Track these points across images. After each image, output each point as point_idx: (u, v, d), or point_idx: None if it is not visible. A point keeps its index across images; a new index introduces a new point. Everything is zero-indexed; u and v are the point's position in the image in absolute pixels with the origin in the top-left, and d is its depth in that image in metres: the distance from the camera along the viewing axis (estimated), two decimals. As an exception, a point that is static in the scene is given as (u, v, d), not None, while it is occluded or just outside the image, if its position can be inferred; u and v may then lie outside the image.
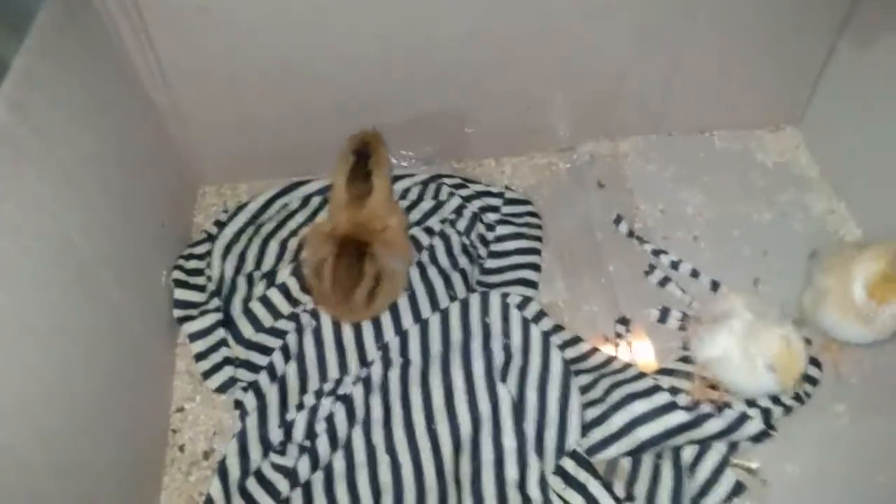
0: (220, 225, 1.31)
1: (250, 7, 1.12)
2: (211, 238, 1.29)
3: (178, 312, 1.19)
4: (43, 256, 0.83)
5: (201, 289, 1.23)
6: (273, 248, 1.27)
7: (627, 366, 1.13)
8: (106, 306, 0.98)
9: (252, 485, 1.03)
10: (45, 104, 0.87)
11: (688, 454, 1.05)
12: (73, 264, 0.90)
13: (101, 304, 0.97)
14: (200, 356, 1.16)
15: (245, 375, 1.14)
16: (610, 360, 1.15)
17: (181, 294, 1.20)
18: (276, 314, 1.19)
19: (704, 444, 1.05)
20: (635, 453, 1.04)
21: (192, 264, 1.25)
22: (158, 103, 1.22)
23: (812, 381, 1.11)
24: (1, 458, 0.72)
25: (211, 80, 1.22)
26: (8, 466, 0.73)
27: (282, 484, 1.03)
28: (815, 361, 1.13)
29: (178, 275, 1.21)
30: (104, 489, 0.93)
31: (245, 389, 1.12)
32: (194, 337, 1.17)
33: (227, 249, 1.27)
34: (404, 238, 1.19)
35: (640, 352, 1.18)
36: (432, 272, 1.21)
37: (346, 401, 1.08)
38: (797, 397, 1.09)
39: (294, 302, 1.20)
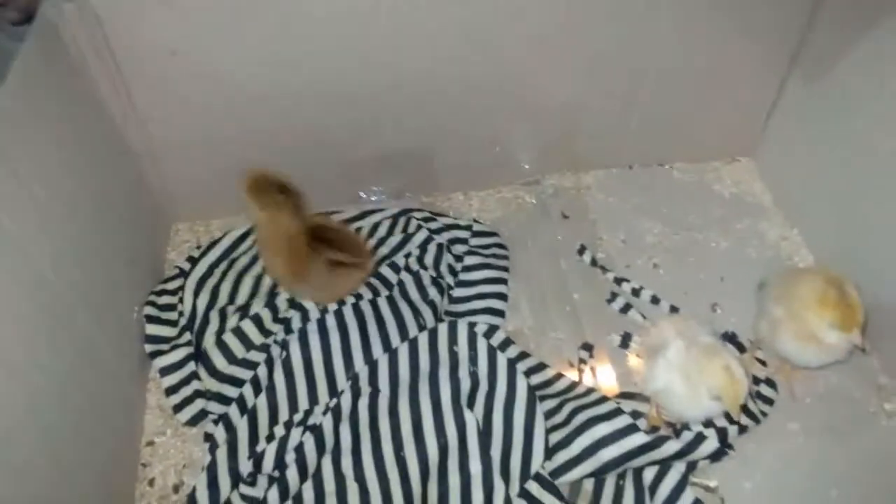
0: (193, 260, 1.33)
1: (219, 50, 1.16)
2: (183, 273, 1.31)
3: (149, 347, 1.20)
4: (15, 292, 0.85)
5: (173, 324, 1.25)
6: (247, 282, 1.30)
7: (590, 390, 1.16)
8: (79, 341, 1.00)
9: (222, 516, 1.04)
10: (22, 146, 0.90)
11: (649, 474, 1.08)
12: (47, 299, 0.92)
13: (74, 339, 0.98)
14: (171, 390, 1.18)
15: (216, 408, 1.16)
16: (573, 385, 1.18)
17: (152, 329, 1.22)
18: (249, 345, 1.21)
19: (664, 464, 1.08)
20: (598, 475, 1.07)
21: (164, 300, 1.27)
22: (132, 143, 1.26)
23: (768, 400, 1.16)
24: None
25: (183, 120, 1.25)
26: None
27: (251, 515, 1.04)
28: (770, 382, 1.17)
29: (149, 310, 1.23)
30: (74, 524, 0.93)
31: (216, 422, 1.14)
32: (165, 371, 1.19)
33: (201, 284, 1.29)
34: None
35: (602, 376, 1.21)
36: (402, 305, 1.24)
37: (316, 431, 1.10)
38: (752, 416, 1.12)
39: (266, 332, 1.22)
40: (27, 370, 0.86)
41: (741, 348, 1.22)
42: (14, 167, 0.87)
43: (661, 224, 1.43)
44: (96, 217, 1.09)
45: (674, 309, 1.29)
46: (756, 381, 1.17)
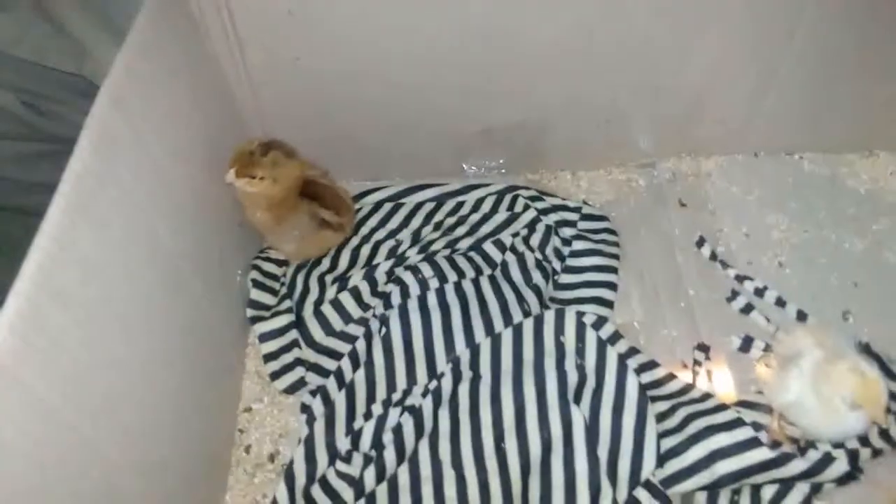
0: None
1: (334, 12, 1.11)
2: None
3: (251, 312, 1.19)
4: (132, 251, 0.84)
5: (274, 292, 1.24)
6: (345, 254, 1.27)
7: (707, 395, 1.08)
8: (189, 303, 0.99)
9: (317, 491, 1.02)
10: (141, 101, 0.88)
11: (768, 492, 1.01)
12: (161, 259, 0.91)
13: (184, 301, 0.98)
14: (270, 356, 1.16)
15: (314, 379, 1.14)
16: (687, 387, 1.10)
17: (256, 294, 1.21)
18: (347, 318, 1.19)
19: (786, 483, 1.00)
20: (712, 488, 1.00)
21: (269, 267, 1.25)
22: (243, 104, 1.23)
23: None
24: (84, 454, 0.73)
25: (294, 83, 1.22)
26: (91, 461, 0.74)
27: (346, 493, 1.02)
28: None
29: (255, 275, 1.22)
30: (176, 487, 0.93)
31: (313, 394, 1.12)
32: (265, 337, 1.18)
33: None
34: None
35: (719, 381, 1.13)
36: (505, 287, 1.19)
37: (414, 413, 1.07)
38: (887, 438, 1.03)
39: (364, 306, 1.20)
40: (142, 333, 0.85)
41: (879, 361, 1.11)
42: (133, 121, 0.85)
43: (788, 219, 1.32)
44: (207, 178, 1.07)
45: (801, 314, 1.18)
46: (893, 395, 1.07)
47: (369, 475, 1.02)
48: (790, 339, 1.06)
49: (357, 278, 1.21)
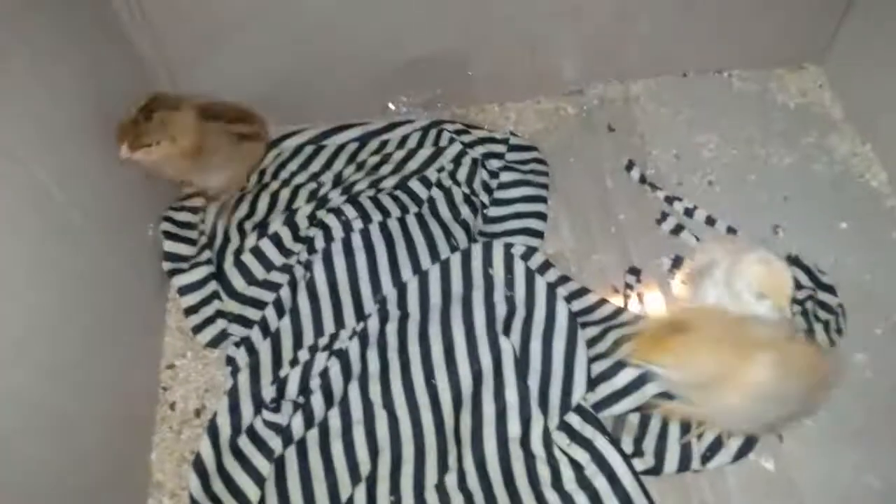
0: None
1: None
2: (202, 191, 1.24)
3: (167, 265, 1.14)
4: (14, 205, 0.78)
5: (191, 242, 1.18)
6: (264, 199, 1.22)
7: (637, 318, 1.07)
8: (88, 258, 0.94)
9: (244, 442, 0.99)
10: (18, 44, 0.81)
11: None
12: (50, 214, 0.85)
13: (83, 256, 0.92)
14: (191, 310, 1.12)
15: (238, 331, 1.10)
16: (619, 311, 1.09)
17: (170, 246, 1.15)
18: (269, 265, 1.14)
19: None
20: (643, 409, 0.99)
21: (183, 216, 1.20)
22: (137, 43, 1.15)
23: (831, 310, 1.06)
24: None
25: (198, 18, 1.15)
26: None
27: (274, 441, 0.99)
28: (829, 288, 1.08)
29: (166, 226, 1.16)
30: (92, 448, 0.89)
31: (237, 345, 1.08)
32: (185, 290, 1.13)
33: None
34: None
35: (651, 303, 1.12)
36: (433, 224, 1.16)
37: (342, 356, 1.04)
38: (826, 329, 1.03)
39: (287, 252, 1.15)
40: (30, 291, 0.80)
41: (808, 273, 1.10)
42: (7, 66, 0.78)
43: (717, 137, 1.30)
44: (102, 129, 1.00)
45: (731, 230, 1.17)
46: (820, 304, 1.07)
47: (297, 422, 0.99)
48: (701, 251, 1.04)
49: (277, 224, 1.16)
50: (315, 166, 1.27)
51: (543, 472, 0.95)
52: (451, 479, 0.96)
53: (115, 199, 1.03)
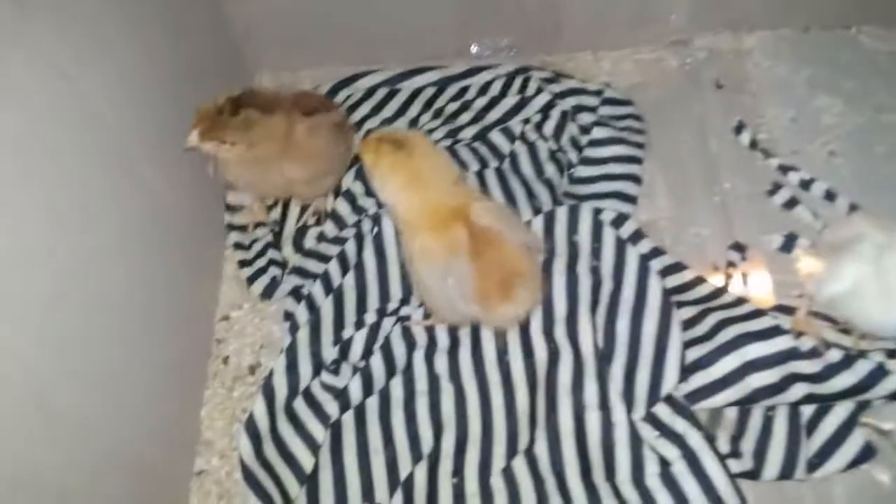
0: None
1: None
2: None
3: (227, 217, 1.08)
4: (57, 126, 0.71)
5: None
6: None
7: (740, 300, 0.95)
8: (143, 192, 0.87)
9: (299, 405, 0.93)
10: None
11: (808, 411, 0.89)
12: (100, 140, 0.78)
13: (136, 190, 0.86)
14: (245, 262, 1.06)
15: (295, 281, 1.03)
16: (719, 292, 0.98)
17: (233, 197, 1.09)
18: (342, 224, 1.07)
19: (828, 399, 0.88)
20: (744, 404, 0.88)
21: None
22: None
23: None
24: (7, 358, 0.62)
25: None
26: (16, 366, 0.63)
27: (331, 406, 0.92)
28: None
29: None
30: (139, 399, 0.83)
31: (297, 300, 1.01)
32: (240, 246, 1.07)
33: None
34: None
35: (756, 285, 1.00)
36: (514, 182, 1.06)
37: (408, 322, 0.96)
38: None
39: (359, 210, 1.07)
40: (79, 222, 0.73)
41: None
42: (98, 29, 0.71)
43: (842, 102, 1.16)
44: (167, 49, 0.93)
45: (853, 208, 1.04)
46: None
47: (355, 386, 0.92)
48: (843, 225, 0.93)
49: (349, 179, 1.08)
50: (388, 111, 1.18)
51: (623, 464, 0.86)
52: (519, 464, 0.87)
53: (178, 135, 0.95)
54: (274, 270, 1.04)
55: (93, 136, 0.77)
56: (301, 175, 1.00)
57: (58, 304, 0.69)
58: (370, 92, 1.20)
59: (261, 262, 1.05)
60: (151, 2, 0.90)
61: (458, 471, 0.88)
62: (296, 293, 1.02)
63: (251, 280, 1.04)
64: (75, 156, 0.73)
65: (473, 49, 1.26)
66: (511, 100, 1.15)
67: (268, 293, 1.03)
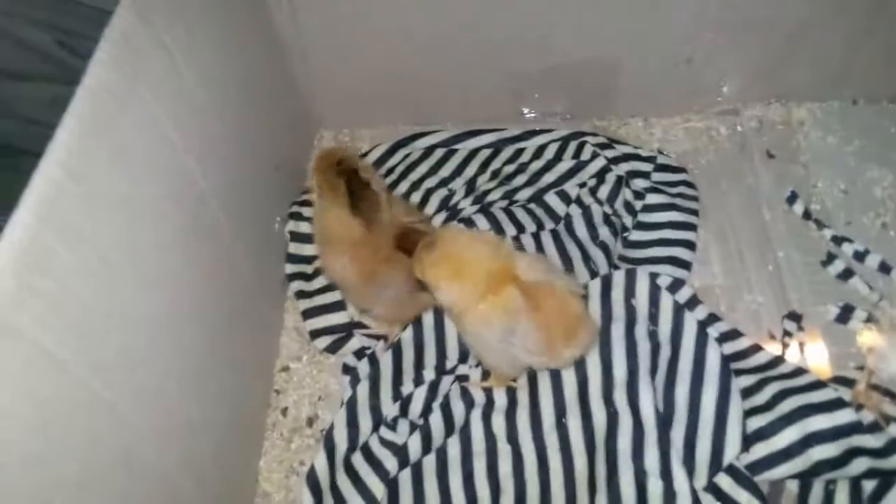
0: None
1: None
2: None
3: (290, 268, 1.10)
4: (154, 184, 0.73)
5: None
6: (397, 202, 1.15)
7: (800, 370, 0.95)
8: (219, 249, 0.89)
9: (358, 460, 0.93)
10: (171, 17, 0.77)
11: (869, 485, 0.88)
12: (188, 197, 0.81)
13: (214, 246, 0.88)
14: (308, 313, 1.07)
15: (363, 342, 1.04)
16: (777, 360, 0.97)
17: (295, 248, 1.11)
18: None
19: (891, 475, 0.87)
20: (805, 476, 0.88)
21: (310, 213, 1.15)
22: (284, 36, 1.12)
23: None
24: (96, 416, 0.64)
25: (338, 16, 1.11)
26: (104, 425, 0.65)
27: (389, 462, 0.93)
28: None
29: (293, 226, 1.12)
30: (203, 453, 0.84)
31: (357, 355, 1.02)
32: (301, 295, 1.08)
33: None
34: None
35: (813, 355, 1.00)
36: (569, 244, 1.07)
37: (466, 383, 0.97)
38: None
39: None
40: (165, 279, 0.75)
41: None
42: (159, 36, 0.74)
43: (892, 175, 1.17)
44: (243, 111, 0.96)
45: (909, 281, 1.04)
46: None
47: (414, 443, 0.93)
48: None
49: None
50: (445, 171, 1.21)
51: (684, 534, 0.85)
52: (580, 529, 0.87)
53: (248, 189, 0.99)
54: (339, 328, 1.05)
55: (186, 198, 0.79)
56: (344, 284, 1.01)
57: (146, 361, 0.70)
58: (428, 152, 1.23)
59: (328, 320, 1.06)
60: (231, 70, 0.94)
61: (517, 533, 0.88)
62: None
63: (315, 334, 1.06)
64: (170, 217, 0.76)
65: (527, 113, 1.30)
66: (566, 164, 1.17)
67: (332, 349, 1.05)
